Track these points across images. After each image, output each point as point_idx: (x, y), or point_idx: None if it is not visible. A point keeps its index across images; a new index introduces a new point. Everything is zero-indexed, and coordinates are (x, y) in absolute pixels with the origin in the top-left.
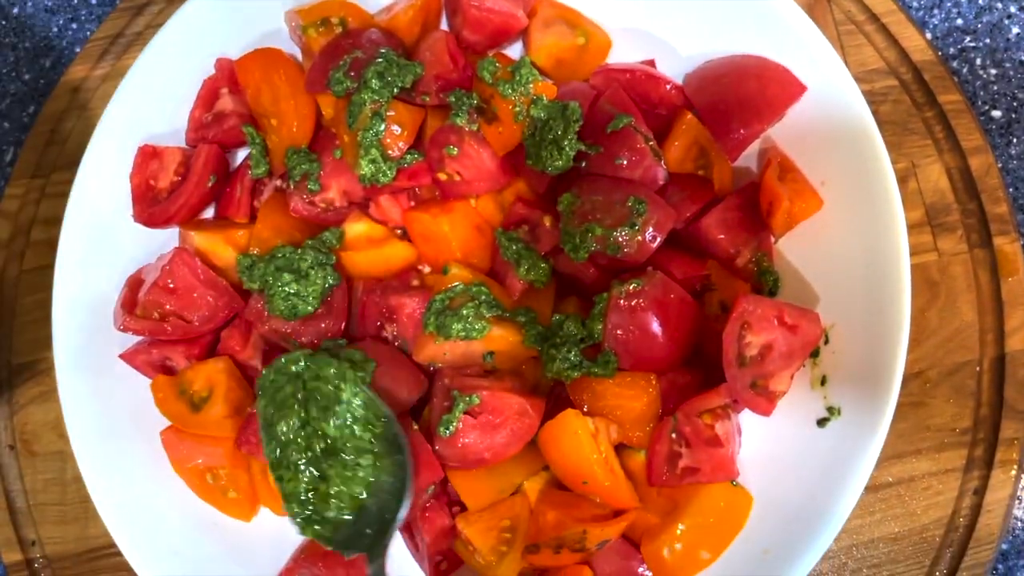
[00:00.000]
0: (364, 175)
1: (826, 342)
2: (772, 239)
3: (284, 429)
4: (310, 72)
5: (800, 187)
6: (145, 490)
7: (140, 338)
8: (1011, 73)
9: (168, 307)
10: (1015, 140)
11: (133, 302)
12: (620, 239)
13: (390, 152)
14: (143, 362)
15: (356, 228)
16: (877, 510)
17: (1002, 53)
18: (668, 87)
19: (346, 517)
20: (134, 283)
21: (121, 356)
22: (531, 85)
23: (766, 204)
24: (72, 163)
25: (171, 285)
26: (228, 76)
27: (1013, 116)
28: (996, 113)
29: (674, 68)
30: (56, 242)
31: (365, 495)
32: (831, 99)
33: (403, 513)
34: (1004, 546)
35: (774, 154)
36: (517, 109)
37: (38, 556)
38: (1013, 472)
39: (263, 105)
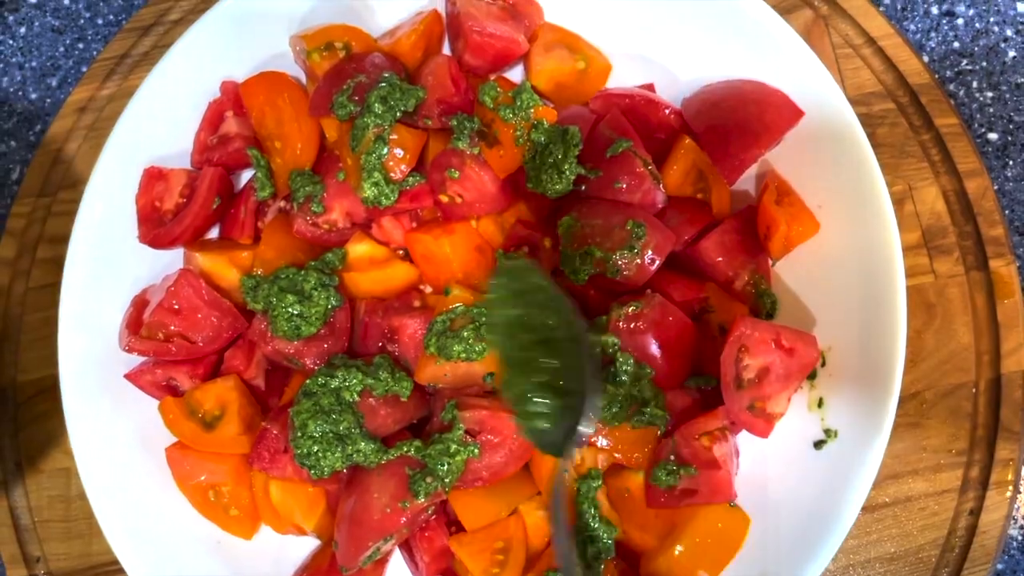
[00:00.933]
0: (367, 198)
1: (823, 364)
2: (770, 262)
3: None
4: (314, 96)
5: (797, 211)
6: (148, 507)
7: (145, 357)
8: (1007, 96)
9: (173, 328)
10: (1011, 162)
11: (138, 322)
12: (619, 262)
13: (392, 175)
14: (148, 382)
15: (359, 249)
16: (873, 530)
17: (998, 76)
18: (667, 111)
19: (547, 420)
20: (139, 303)
21: (126, 376)
22: (531, 109)
23: (764, 228)
24: (78, 182)
25: (176, 306)
26: (233, 99)
27: (1009, 139)
28: (992, 135)
29: (673, 92)
30: (62, 260)
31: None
32: (828, 124)
33: (587, 418)
34: (999, 566)
35: (771, 178)
36: (518, 133)
37: (42, 572)
38: (1008, 493)
39: (267, 127)
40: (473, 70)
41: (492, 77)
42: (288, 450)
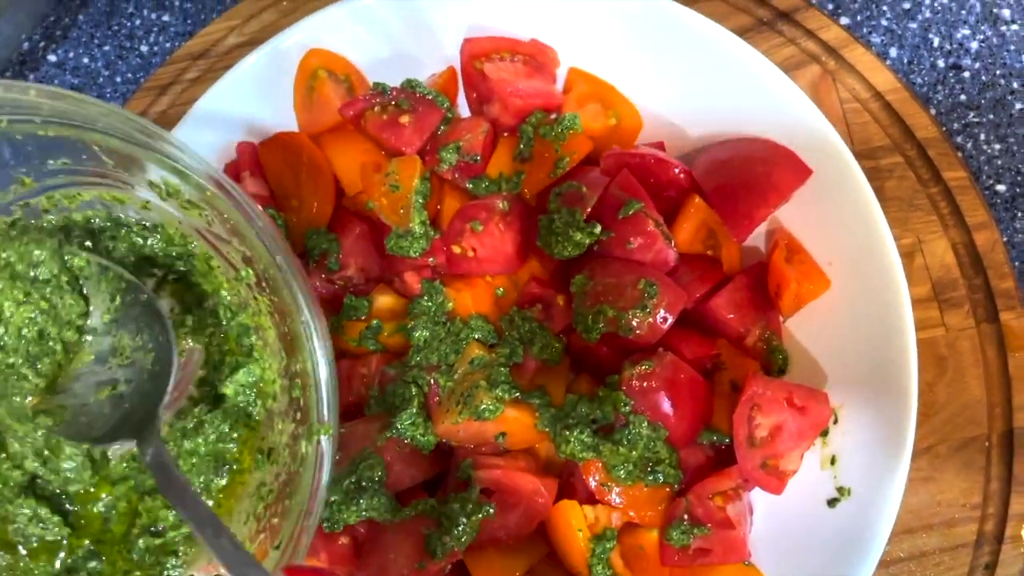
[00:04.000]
0: (415, 233)
1: (835, 422)
2: (781, 318)
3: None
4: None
5: (807, 268)
6: None
7: None
8: (1015, 148)
9: None
10: (1020, 214)
11: None
12: (632, 321)
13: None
14: None
15: (382, 301)
16: None
17: (1006, 128)
18: (677, 171)
19: (104, 411)
20: None
21: None
22: (571, 131)
23: (774, 286)
24: None
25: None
26: (250, 160)
27: (1018, 190)
28: (1001, 187)
29: (682, 149)
30: None
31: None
32: (836, 181)
33: (168, 392)
34: None
35: (781, 235)
36: (556, 150)
37: None
38: (1023, 548)
39: (284, 187)
40: (510, 129)
41: None
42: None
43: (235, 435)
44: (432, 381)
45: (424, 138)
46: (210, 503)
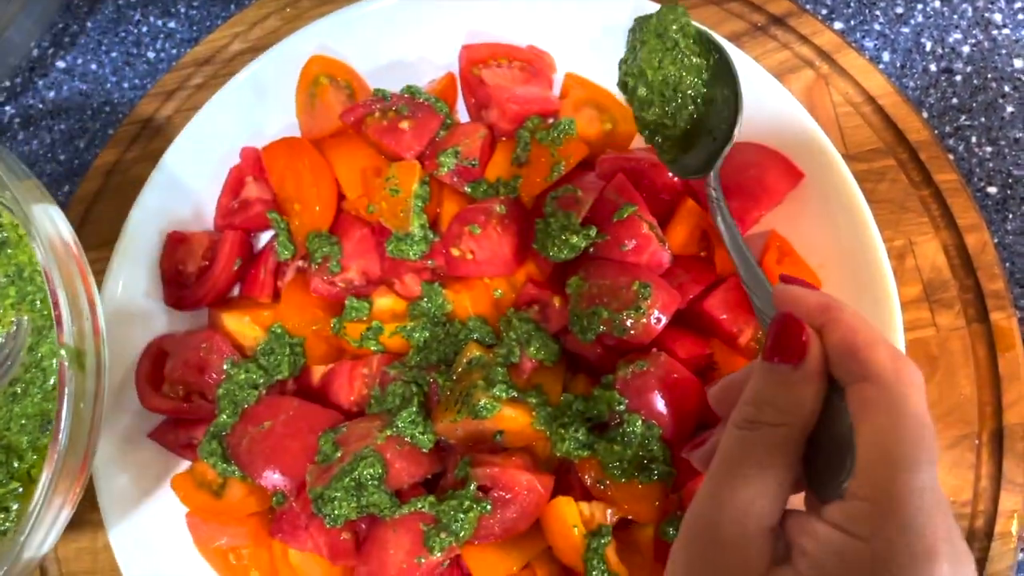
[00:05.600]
0: (415, 236)
1: None
2: None
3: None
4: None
5: (798, 270)
6: (173, 561)
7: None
8: (1006, 150)
9: (193, 386)
10: (1010, 216)
11: (158, 378)
12: (626, 322)
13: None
14: (171, 441)
15: (382, 302)
16: None
17: (997, 131)
18: (671, 174)
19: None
20: (155, 355)
21: (150, 436)
22: (566, 136)
23: None
24: (105, 243)
25: (201, 366)
26: (253, 164)
27: (1008, 192)
28: (992, 189)
29: None
30: None
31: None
32: (827, 186)
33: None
34: None
35: (773, 238)
36: (552, 154)
37: None
38: (1013, 544)
39: (287, 191)
40: (507, 134)
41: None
42: (309, 526)
43: (55, 392)
44: (432, 381)
45: (424, 143)
46: (36, 458)
